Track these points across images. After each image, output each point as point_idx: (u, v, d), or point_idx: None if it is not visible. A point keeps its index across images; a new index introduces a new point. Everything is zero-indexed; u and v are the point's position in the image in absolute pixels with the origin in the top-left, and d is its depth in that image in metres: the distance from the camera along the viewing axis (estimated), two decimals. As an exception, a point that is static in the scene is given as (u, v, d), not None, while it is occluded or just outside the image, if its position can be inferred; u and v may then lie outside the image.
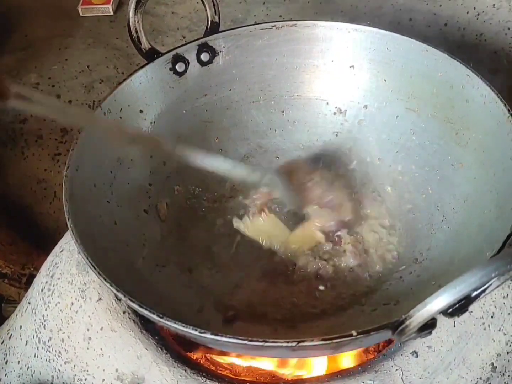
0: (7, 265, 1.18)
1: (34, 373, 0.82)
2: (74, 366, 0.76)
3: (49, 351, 0.79)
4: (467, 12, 1.21)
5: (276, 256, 0.80)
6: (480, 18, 1.20)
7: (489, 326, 0.73)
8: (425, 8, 1.24)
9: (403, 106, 0.86)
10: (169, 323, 0.54)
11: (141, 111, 0.83)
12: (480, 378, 0.71)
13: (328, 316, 0.72)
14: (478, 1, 1.19)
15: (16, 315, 0.89)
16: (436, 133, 0.83)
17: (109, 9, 1.57)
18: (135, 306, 0.56)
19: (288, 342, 0.52)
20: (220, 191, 0.89)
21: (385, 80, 0.88)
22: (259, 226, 0.81)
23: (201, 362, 0.78)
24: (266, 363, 0.80)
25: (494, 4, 1.18)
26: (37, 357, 0.81)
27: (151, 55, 0.83)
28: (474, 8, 1.20)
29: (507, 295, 0.76)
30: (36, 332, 0.82)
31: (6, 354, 0.86)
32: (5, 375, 0.85)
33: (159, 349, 0.74)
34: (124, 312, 0.77)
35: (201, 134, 0.90)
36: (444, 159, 0.81)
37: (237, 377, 0.75)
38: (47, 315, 0.81)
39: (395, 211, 0.84)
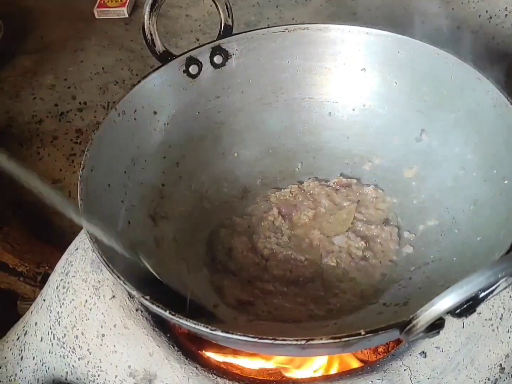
0: (23, 264, 1.19)
1: (48, 368, 0.83)
2: (88, 362, 0.78)
3: (64, 348, 0.80)
4: (479, 16, 1.21)
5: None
6: (492, 22, 1.20)
7: (497, 327, 0.74)
8: (437, 11, 1.24)
9: (414, 108, 0.87)
10: (180, 320, 0.55)
11: (155, 113, 0.84)
12: (488, 379, 0.72)
13: (336, 315, 0.73)
14: (490, 4, 1.19)
15: (31, 312, 0.91)
16: (446, 135, 0.83)
17: (124, 12, 1.59)
18: (147, 303, 0.57)
19: (297, 340, 0.52)
20: (231, 191, 0.90)
21: (396, 83, 0.88)
22: None
23: (212, 360, 0.79)
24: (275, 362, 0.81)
25: (506, 8, 1.19)
26: (52, 353, 0.82)
27: (165, 57, 0.84)
28: (486, 11, 1.20)
29: (516, 296, 0.76)
30: (51, 328, 0.83)
31: (22, 350, 0.88)
32: (20, 371, 0.87)
33: (171, 346, 0.75)
34: (137, 310, 0.78)
35: (213, 136, 0.91)
36: (454, 162, 0.81)
37: (247, 376, 0.76)
38: (61, 312, 0.82)
39: (405, 213, 0.85)
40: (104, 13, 1.60)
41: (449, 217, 0.79)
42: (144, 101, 0.83)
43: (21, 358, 0.87)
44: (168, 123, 0.86)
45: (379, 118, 0.91)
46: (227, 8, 0.86)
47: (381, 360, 0.73)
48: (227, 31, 0.88)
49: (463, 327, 0.73)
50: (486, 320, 0.74)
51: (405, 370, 0.71)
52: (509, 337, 0.73)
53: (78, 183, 0.69)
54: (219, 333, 0.54)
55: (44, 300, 0.87)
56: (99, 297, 0.80)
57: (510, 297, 0.76)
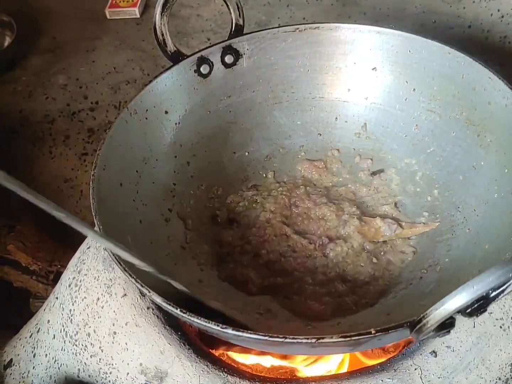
0: (35, 262, 1.20)
1: (61, 366, 0.84)
2: (100, 359, 0.78)
3: (76, 345, 0.81)
4: (491, 14, 1.20)
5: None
6: (504, 20, 1.19)
7: (508, 327, 0.73)
8: (448, 10, 1.24)
9: (425, 108, 0.87)
10: (191, 318, 0.56)
11: (166, 112, 0.85)
12: (499, 379, 0.71)
13: (347, 314, 0.73)
14: (503, 3, 1.19)
15: (44, 309, 0.91)
16: (458, 135, 0.83)
17: (135, 12, 1.60)
18: (158, 301, 0.58)
19: (308, 338, 0.53)
20: (242, 190, 0.90)
21: (407, 82, 0.88)
22: None
23: (223, 358, 0.79)
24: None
25: (518, 6, 1.18)
26: (64, 350, 0.83)
27: (177, 57, 0.84)
28: (498, 10, 1.19)
29: (528, 296, 0.76)
30: (63, 326, 0.84)
31: (34, 347, 0.89)
32: (33, 368, 0.87)
33: (182, 344, 0.75)
34: (148, 308, 0.78)
35: (224, 135, 0.91)
36: (466, 161, 0.81)
37: (258, 374, 0.76)
38: (74, 309, 0.83)
39: (416, 213, 0.84)
40: (116, 13, 1.61)
41: (460, 216, 0.79)
42: (156, 100, 0.83)
43: (34, 355, 0.88)
44: (179, 123, 0.87)
45: (390, 117, 0.90)
46: (238, 7, 0.87)
47: (392, 359, 0.73)
48: (238, 31, 0.88)
49: (474, 326, 0.73)
50: (497, 319, 0.74)
51: (415, 369, 0.71)
52: (521, 337, 0.73)
53: (90, 182, 0.69)
54: (229, 331, 0.54)
55: (57, 298, 0.88)
56: (111, 295, 0.81)
57: (522, 296, 0.75)
